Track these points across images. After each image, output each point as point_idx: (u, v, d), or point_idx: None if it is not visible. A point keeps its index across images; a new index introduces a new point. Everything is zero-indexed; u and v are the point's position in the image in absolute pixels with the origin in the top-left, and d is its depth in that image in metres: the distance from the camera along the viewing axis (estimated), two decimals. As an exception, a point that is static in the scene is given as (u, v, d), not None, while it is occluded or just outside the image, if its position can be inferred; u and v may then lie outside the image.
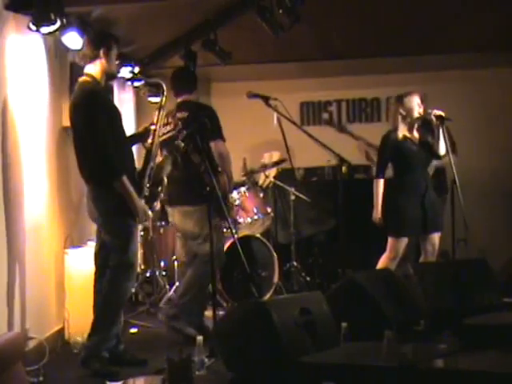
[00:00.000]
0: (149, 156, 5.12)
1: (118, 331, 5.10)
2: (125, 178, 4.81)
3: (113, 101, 5.15)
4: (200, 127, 5.26)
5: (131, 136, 5.33)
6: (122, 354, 5.12)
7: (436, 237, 6.06)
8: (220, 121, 5.64)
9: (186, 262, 5.94)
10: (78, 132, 4.95)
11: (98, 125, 4.80)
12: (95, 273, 5.10)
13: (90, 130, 4.81)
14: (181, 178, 5.59)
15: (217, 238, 5.42)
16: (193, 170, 5.31)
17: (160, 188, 5.16)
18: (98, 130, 4.79)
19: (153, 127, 5.20)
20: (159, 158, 5.36)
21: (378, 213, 5.97)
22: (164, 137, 5.61)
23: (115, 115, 5.05)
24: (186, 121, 5.58)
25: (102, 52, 4.93)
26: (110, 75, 5.08)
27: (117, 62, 5.20)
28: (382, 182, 5.97)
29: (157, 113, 5.26)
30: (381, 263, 6.00)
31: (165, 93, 5.28)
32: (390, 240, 5.98)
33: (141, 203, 4.92)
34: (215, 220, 5.44)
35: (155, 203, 5.18)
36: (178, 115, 5.69)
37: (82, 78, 4.99)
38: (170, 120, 5.70)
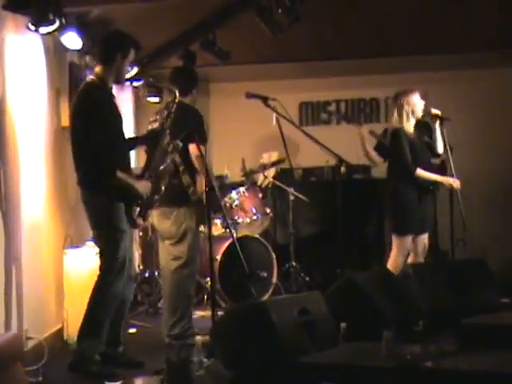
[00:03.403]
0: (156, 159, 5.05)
1: (118, 333, 5.09)
2: (119, 173, 4.77)
3: (116, 104, 5.05)
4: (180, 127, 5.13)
5: (134, 138, 5.21)
6: (120, 355, 5.10)
7: (426, 237, 6.10)
8: (204, 124, 5.44)
9: (162, 266, 5.62)
10: (76, 132, 4.89)
11: (95, 126, 4.73)
12: None
13: (86, 130, 4.75)
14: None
15: (194, 242, 5.37)
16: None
17: (157, 196, 5.08)
18: (93, 132, 4.72)
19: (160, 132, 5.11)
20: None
21: (448, 182, 6.06)
22: (146, 133, 5.47)
23: (114, 119, 4.95)
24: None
25: (119, 56, 4.86)
26: (117, 80, 5.01)
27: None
28: (420, 170, 5.94)
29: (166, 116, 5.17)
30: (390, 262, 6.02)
31: (176, 100, 5.16)
32: (394, 238, 6.00)
33: (139, 184, 4.87)
34: (193, 223, 5.34)
35: (149, 211, 5.09)
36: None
37: (90, 78, 4.95)
38: (157, 117, 5.44)
